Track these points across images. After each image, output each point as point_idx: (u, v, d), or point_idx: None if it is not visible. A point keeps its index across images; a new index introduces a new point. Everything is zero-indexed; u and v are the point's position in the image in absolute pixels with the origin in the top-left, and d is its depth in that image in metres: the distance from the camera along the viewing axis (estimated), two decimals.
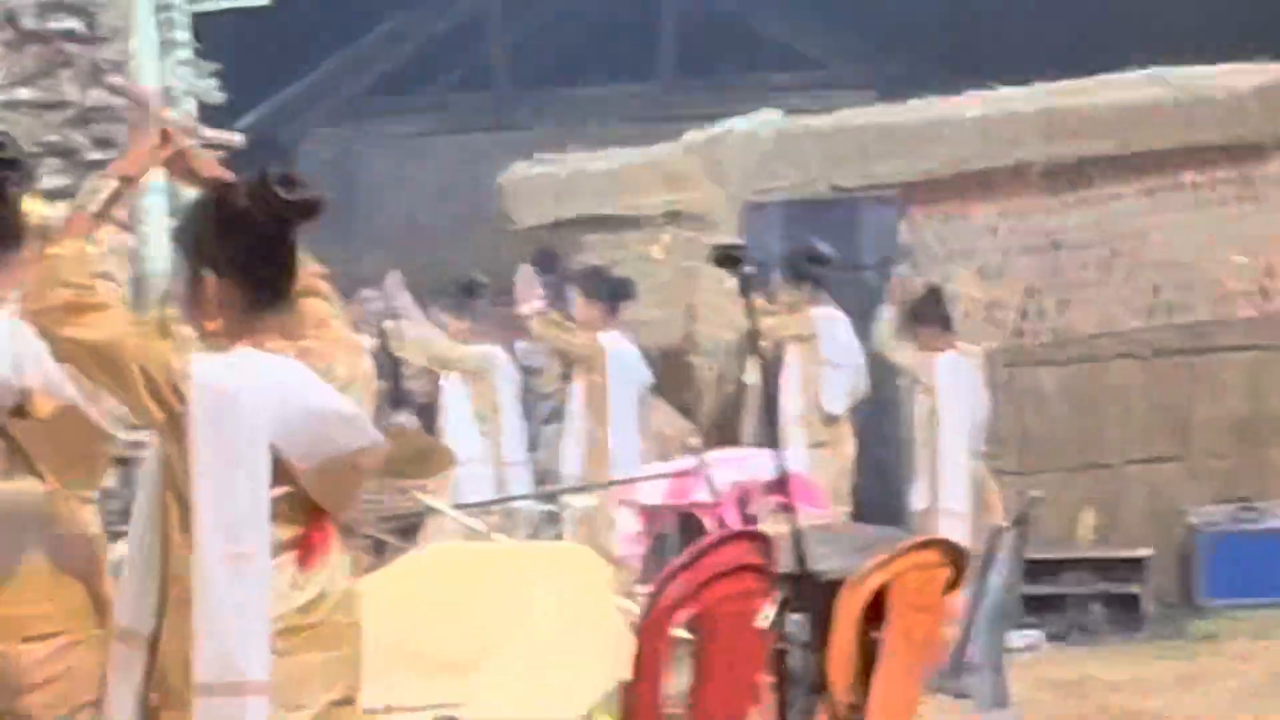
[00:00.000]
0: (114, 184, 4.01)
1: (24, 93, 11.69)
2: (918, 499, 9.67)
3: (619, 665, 5.29)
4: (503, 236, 13.22)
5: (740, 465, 8.63)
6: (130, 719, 3.90)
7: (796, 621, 5.49)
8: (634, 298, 10.15)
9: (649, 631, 5.17)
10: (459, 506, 8.73)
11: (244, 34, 14.12)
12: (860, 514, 9.65)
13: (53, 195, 11.62)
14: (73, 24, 11.60)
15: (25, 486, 4.22)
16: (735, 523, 7.97)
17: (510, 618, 5.65)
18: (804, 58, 18.67)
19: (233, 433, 3.77)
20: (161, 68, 12.04)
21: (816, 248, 9.88)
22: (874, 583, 5.62)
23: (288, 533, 3.88)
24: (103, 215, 3.98)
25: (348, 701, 4.00)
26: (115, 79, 11.40)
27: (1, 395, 4.15)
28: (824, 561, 5.71)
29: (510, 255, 13.13)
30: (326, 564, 3.94)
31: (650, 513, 8.83)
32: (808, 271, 9.85)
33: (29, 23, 11.54)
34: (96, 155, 11.60)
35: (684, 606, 5.18)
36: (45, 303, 3.81)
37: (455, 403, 9.59)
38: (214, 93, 12.45)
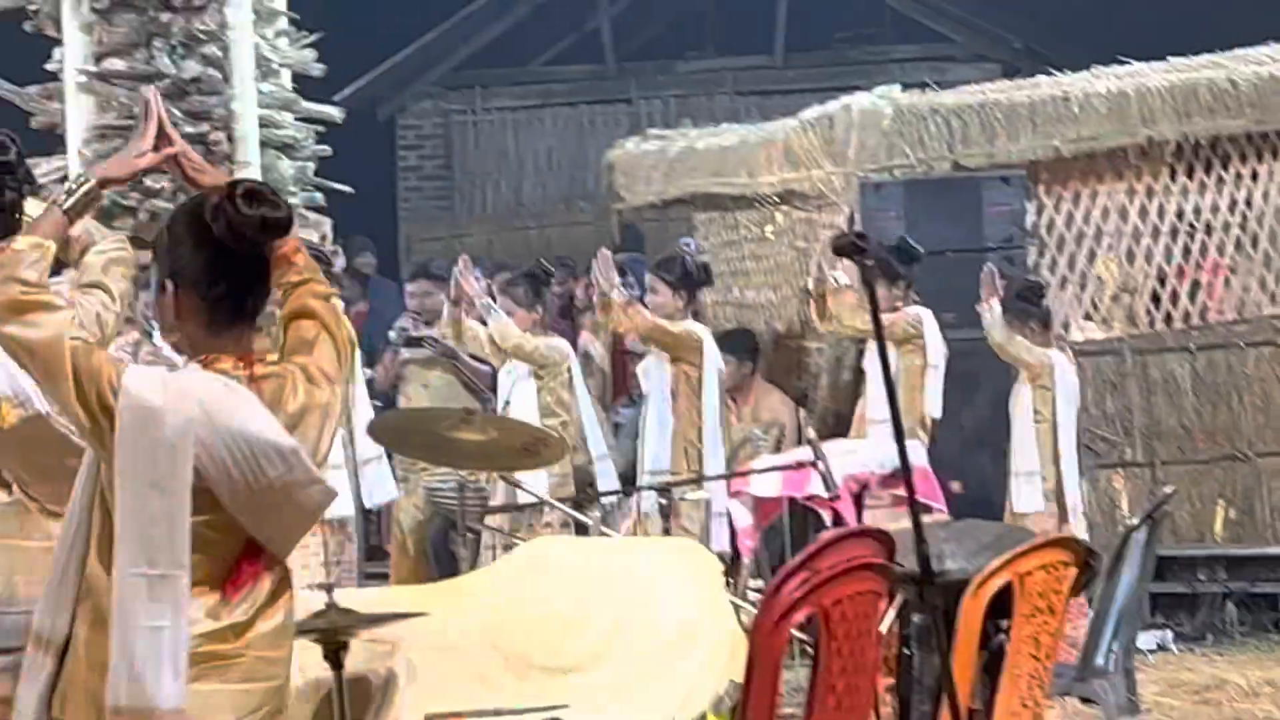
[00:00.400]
0: (90, 184, 3.98)
1: (116, 64, 11.50)
2: (1027, 500, 9.29)
3: (732, 666, 5.19)
4: (610, 215, 13.04)
5: (858, 457, 8.35)
6: None
7: (918, 623, 5.38)
8: (712, 284, 9.98)
9: (764, 632, 4.96)
10: (567, 500, 8.51)
11: (344, 3, 13.98)
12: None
13: (147, 170, 11.49)
14: None
15: None
16: (852, 518, 7.71)
17: (620, 616, 5.58)
18: (926, 30, 18.36)
19: (154, 452, 3.72)
20: (258, 38, 11.81)
21: (910, 243, 9.56)
22: (998, 583, 5.48)
23: (214, 560, 3.83)
24: (73, 214, 3.95)
25: None
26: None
27: None
28: (947, 561, 5.59)
29: (618, 234, 12.98)
30: (255, 597, 3.88)
31: (762, 506, 8.57)
32: (901, 269, 9.53)
33: None
34: (191, 129, 11.42)
35: (801, 606, 4.95)
36: None
37: (521, 397, 9.22)
38: (312, 65, 12.23)
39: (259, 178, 11.55)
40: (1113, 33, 13.17)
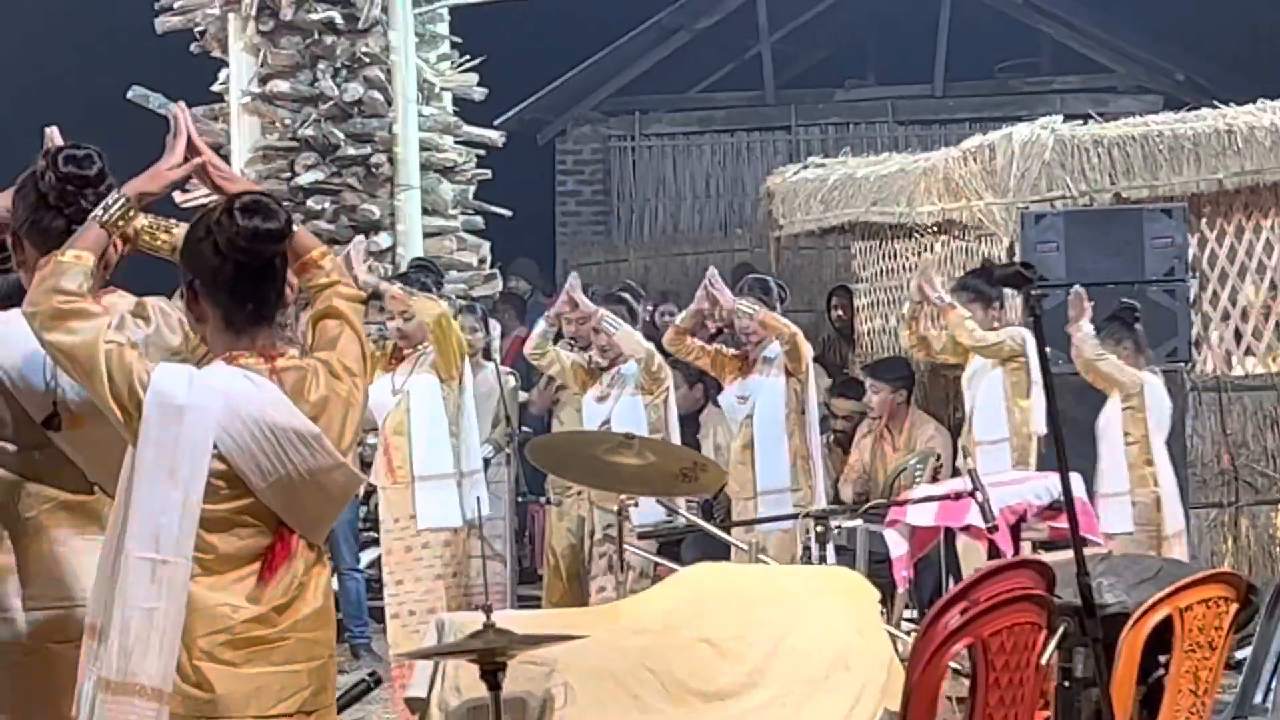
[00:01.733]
0: (124, 199, 4.20)
1: (280, 85, 11.67)
2: (1115, 521, 9.11)
3: (889, 696, 5.20)
4: (767, 242, 13.03)
5: (1015, 488, 8.27)
6: (87, 712, 4.04)
7: (1079, 656, 5.29)
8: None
9: (922, 661, 4.93)
10: (723, 525, 8.50)
11: (505, 27, 14.05)
12: None
13: (309, 191, 11.69)
14: (333, 14, 11.53)
15: (80, 500, 4.55)
16: (1009, 549, 7.62)
17: (776, 642, 5.56)
18: (1088, 61, 18.22)
19: (174, 444, 3.96)
20: (421, 61, 11.94)
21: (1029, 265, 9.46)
22: (1158, 617, 5.47)
23: (250, 543, 4.06)
24: (110, 227, 4.17)
25: (305, 713, 4.15)
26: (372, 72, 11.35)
27: (38, 402, 4.49)
28: (1105, 593, 5.53)
29: (776, 260, 12.97)
30: (290, 578, 4.09)
31: (918, 535, 8.51)
32: (993, 292, 9.56)
33: (287, 12, 11.50)
34: (353, 150, 11.56)
35: (960, 637, 4.90)
36: (37, 306, 4.06)
37: (626, 414, 9.12)
38: (474, 88, 12.33)
39: (419, 200, 11.72)
40: (1275, 66, 12.94)
